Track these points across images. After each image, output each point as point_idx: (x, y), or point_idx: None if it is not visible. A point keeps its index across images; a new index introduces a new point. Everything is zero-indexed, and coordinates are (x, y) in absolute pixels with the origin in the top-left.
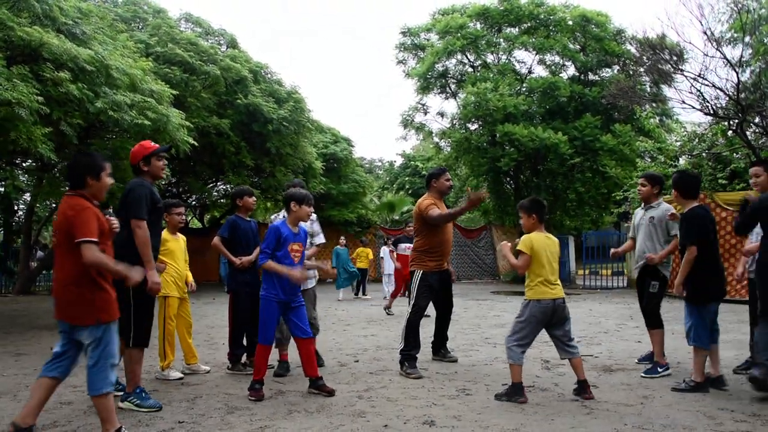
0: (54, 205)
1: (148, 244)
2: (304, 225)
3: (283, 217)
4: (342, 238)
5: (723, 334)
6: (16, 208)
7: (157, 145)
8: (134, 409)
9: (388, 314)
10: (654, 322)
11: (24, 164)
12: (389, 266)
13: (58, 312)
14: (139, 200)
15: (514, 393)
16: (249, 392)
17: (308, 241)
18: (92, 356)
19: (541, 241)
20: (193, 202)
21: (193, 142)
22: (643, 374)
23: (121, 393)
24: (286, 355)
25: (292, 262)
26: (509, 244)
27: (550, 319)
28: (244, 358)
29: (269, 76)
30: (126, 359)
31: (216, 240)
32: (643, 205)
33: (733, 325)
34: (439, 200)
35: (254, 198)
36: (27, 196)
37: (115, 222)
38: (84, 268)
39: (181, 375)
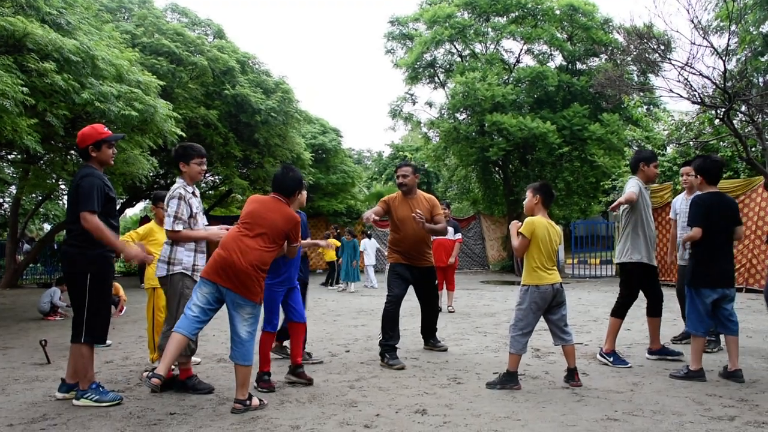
0: (40, 198)
1: (101, 228)
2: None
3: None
4: (347, 229)
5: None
6: (1, 201)
7: (109, 132)
8: (93, 405)
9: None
10: None
11: (9, 156)
12: (370, 259)
13: (230, 283)
14: (90, 192)
15: (509, 381)
16: (258, 384)
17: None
18: (249, 327)
19: (543, 227)
20: None
21: (180, 133)
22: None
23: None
24: (189, 371)
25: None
26: (519, 223)
27: (549, 303)
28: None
29: (257, 66)
30: (76, 355)
31: None
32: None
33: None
34: (403, 196)
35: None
36: (13, 189)
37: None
38: (268, 259)
39: (173, 366)
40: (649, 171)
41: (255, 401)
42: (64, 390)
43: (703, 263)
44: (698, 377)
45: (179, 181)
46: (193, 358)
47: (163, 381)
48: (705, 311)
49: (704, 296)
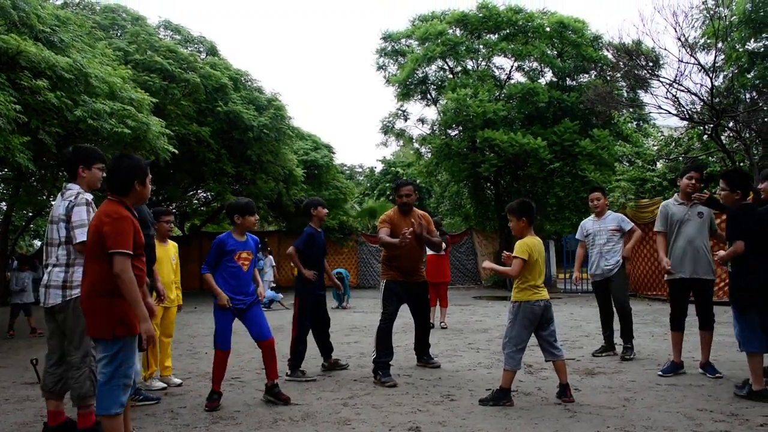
0: (31, 215)
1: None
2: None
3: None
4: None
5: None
6: None
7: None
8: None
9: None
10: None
11: (0, 173)
12: (268, 275)
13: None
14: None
15: (502, 397)
16: (206, 402)
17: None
18: (103, 368)
19: (536, 246)
20: (174, 210)
21: (173, 150)
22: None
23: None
24: (59, 414)
25: (241, 270)
26: (490, 264)
27: (539, 320)
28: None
29: (249, 83)
30: None
31: (291, 250)
32: (685, 201)
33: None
34: (401, 214)
35: (327, 209)
36: (3, 205)
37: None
38: (108, 277)
39: (165, 385)
40: (681, 183)
41: None
42: None
43: (749, 282)
44: (763, 398)
45: (74, 187)
46: (174, 380)
47: None
48: (753, 328)
49: (747, 317)
